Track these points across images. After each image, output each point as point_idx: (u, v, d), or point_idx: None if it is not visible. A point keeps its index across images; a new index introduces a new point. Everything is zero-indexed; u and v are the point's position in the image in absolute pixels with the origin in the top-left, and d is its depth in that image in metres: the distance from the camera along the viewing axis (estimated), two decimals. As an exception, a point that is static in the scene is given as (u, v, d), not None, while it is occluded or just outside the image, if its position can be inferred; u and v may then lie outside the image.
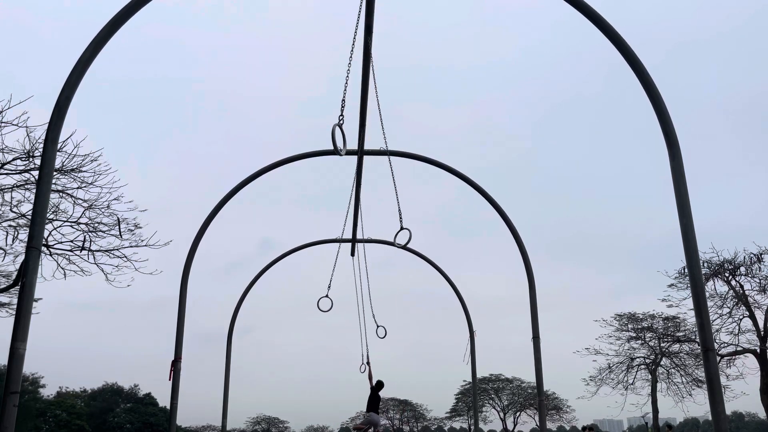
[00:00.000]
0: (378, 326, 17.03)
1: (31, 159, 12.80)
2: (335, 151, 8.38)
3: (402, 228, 10.49)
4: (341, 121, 8.59)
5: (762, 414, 32.65)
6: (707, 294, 13.77)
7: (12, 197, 13.23)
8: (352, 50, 8.70)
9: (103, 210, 13.81)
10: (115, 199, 13.68)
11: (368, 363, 16.80)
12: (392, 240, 10.89)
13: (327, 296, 16.41)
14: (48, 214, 11.46)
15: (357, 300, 16.78)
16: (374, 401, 15.88)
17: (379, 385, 16.01)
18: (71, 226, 13.78)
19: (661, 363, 34.52)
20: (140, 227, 14.36)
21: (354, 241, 16.89)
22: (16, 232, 13.71)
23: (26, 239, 6.82)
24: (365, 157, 12.65)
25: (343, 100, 8.80)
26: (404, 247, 10.62)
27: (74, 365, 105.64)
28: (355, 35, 8.64)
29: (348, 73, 8.75)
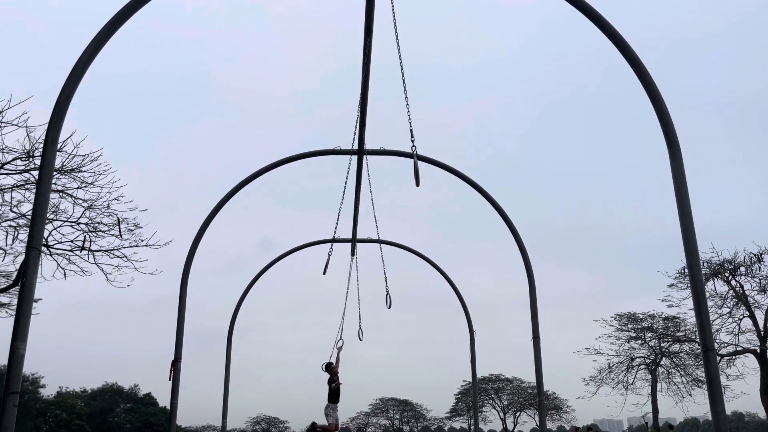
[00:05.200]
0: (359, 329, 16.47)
1: (31, 159, 12.78)
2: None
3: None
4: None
5: (762, 414, 32.64)
6: (707, 294, 13.75)
7: (12, 197, 13.21)
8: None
9: (103, 210, 13.78)
10: (115, 199, 13.65)
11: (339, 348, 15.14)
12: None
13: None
14: (48, 214, 11.45)
15: (356, 293, 16.48)
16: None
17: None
18: (71, 226, 13.75)
19: (661, 363, 34.48)
20: (140, 227, 14.33)
21: (354, 240, 16.90)
22: (16, 232, 13.69)
23: (26, 239, 6.81)
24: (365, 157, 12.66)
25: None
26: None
27: (74, 365, 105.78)
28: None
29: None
